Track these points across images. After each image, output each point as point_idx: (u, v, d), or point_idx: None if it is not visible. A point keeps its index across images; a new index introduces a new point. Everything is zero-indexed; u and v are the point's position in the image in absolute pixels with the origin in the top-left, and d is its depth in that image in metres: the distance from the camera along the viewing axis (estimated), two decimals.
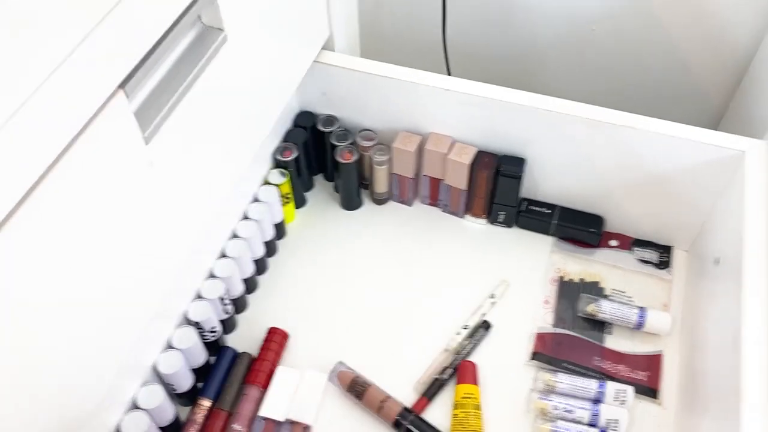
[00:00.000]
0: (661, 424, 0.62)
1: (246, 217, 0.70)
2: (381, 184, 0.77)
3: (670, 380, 0.65)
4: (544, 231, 0.76)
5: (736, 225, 0.60)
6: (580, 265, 0.74)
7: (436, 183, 0.76)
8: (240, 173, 0.60)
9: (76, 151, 0.38)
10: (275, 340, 0.65)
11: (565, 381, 0.63)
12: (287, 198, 0.74)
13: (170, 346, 0.60)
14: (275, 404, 0.60)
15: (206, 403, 0.61)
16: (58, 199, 0.38)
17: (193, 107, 0.49)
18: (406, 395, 0.64)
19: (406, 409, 0.61)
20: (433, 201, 0.79)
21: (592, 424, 0.60)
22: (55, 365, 0.42)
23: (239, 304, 0.70)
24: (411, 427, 0.60)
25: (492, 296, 0.70)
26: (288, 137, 0.75)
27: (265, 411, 0.60)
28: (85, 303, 0.43)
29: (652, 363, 0.66)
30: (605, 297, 0.70)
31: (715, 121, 0.91)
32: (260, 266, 0.73)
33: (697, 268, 0.70)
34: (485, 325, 0.68)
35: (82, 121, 0.38)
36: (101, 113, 0.40)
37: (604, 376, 0.64)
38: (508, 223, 0.76)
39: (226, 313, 0.66)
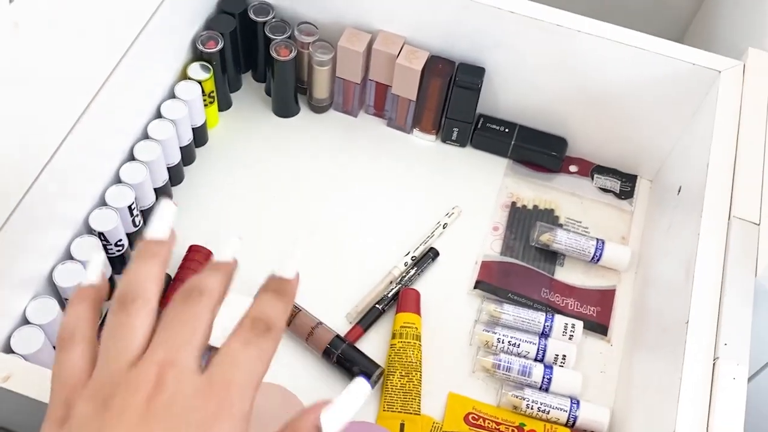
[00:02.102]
0: (607, 362, 0.68)
1: (160, 116, 0.69)
2: (321, 89, 0.78)
3: (620, 317, 0.70)
4: (500, 152, 0.79)
5: (703, 152, 0.65)
6: (534, 190, 0.77)
7: (382, 90, 0.77)
8: (125, 50, 0.62)
9: None
10: (197, 259, 0.66)
11: (510, 313, 0.67)
12: (211, 98, 0.74)
13: (70, 257, 0.60)
14: None
15: None
16: None
17: None
18: (340, 324, 0.67)
19: (338, 337, 0.64)
20: (379, 111, 0.80)
21: (538, 359, 0.65)
22: None
23: (149, 217, 0.70)
24: (342, 356, 0.63)
25: (443, 224, 0.73)
26: (211, 25, 0.74)
27: None
28: None
29: (604, 298, 0.71)
30: (560, 226, 0.74)
31: (678, 36, 0.95)
32: (174, 175, 0.73)
33: (659, 199, 0.75)
34: (433, 253, 0.71)
35: None
36: None
37: (552, 309, 0.69)
38: (461, 142, 0.79)
39: (135, 225, 0.66)
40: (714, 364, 0.51)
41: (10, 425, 0.53)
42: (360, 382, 0.34)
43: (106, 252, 0.63)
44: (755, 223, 0.58)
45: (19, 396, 0.45)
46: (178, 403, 0.30)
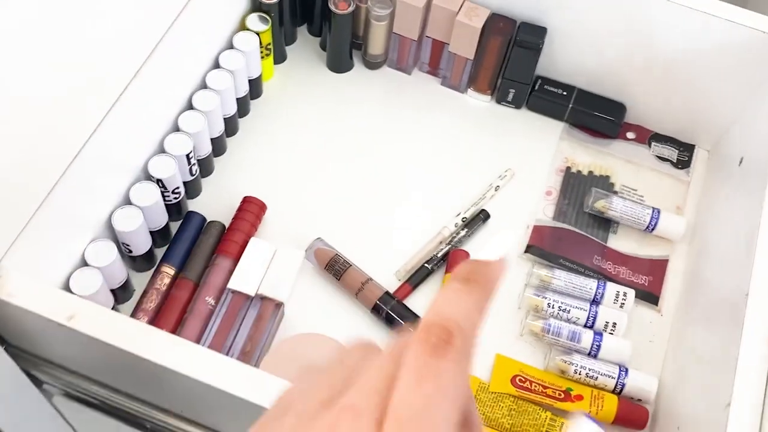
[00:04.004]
0: (657, 332, 0.67)
1: (218, 66, 0.69)
2: (377, 45, 0.77)
3: (672, 288, 0.69)
4: (557, 115, 0.77)
5: None
6: (590, 156, 0.76)
7: (439, 48, 0.76)
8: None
9: None
10: (251, 210, 0.66)
11: (562, 278, 0.67)
12: (267, 50, 0.74)
13: (129, 202, 0.61)
14: (247, 277, 0.62)
15: (170, 270, 0.63)
16: None
17: None
18: (388, 282, 0.67)
19: (387, 294, 0.65)
20: (433, 69, 0.79)
21: (588, 326, 0.65)
22: None
23: (204, 167, 0.70)
24: (391, 313, 0.64)
25: (495, 187, 0.72)
26: None
27: (235, 284, 0.62)
28: None
29: (656, 268, 0.70)
30: (615, 194, 0.73)
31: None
32: (230, 126, 0.73)
33: (717, 170, 0.73)
34: (484, 215, 0.71)
35: None
36: None
37: (603, 276, 0.69)
38: (517, 103, 0.78)
39: (191, 174, 0.67)
40: None
41: (69, 365, 0.54)
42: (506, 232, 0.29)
43: (163, 198, 0.64)
44: None
45: (81, 335, 0.46)
46: None
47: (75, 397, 0.57)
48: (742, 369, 0.49)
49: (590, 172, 0.75)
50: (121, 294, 0.62)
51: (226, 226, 0.67)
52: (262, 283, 0.62)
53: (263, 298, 0.62)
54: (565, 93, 0.76)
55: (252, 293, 0.62)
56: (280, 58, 0.79)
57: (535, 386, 0.62)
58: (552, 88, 0.76)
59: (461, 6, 0.72)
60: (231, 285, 0.62)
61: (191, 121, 0.65)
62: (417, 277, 0.67)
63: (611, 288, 0.66)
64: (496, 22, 0.72)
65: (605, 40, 0.71)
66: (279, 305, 0.62)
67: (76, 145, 0.54)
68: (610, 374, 0.62)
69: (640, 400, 0.63)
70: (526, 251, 0.69)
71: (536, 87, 0.76)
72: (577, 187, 0.74)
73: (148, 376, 0.48)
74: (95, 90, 0.55)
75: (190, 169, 0.66)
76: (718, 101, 0.73)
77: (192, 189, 0.69)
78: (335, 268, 0.65)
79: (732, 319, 0.53)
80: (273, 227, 0.69)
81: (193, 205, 0.70)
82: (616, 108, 0.76)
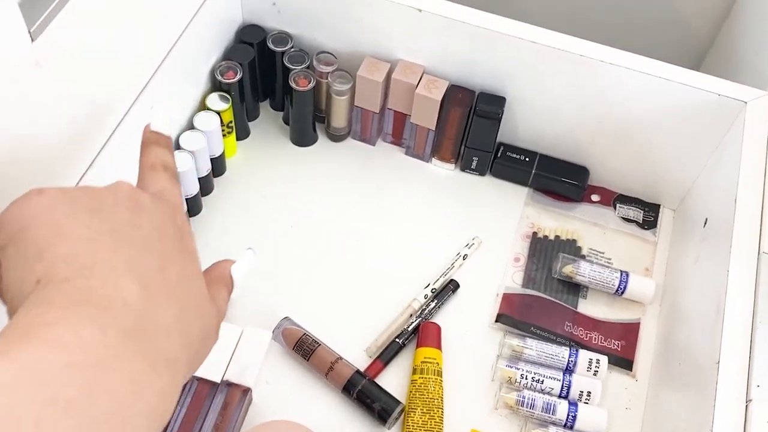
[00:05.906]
0: (632, 398, 0.66)
1: (179, 148, 0.69)
2: (340, 118, 0.77)
3: (645, 352, 0.69)
4: (521, 181, 0.78)
5: (730, 184, 0.64)
6: (556, 220, 0.76)
7: (401, 119, 0.77)
8: (145, 83, 0.62)
9: None
10: None
11: (534, 348, 0.66)
12: (229, 128, 0.74)
13: None
14: (212, 363, 0.60)
15: None
16: None
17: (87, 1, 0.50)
18: (359, 359, 0.66)
19: (358, 373, 0.63)
20: (397, 140, 0.80)
21: (562, 396, 0.64)
22: None
23: None
24: (362, 393, 0.62)
25: (463, 255, 0.72)
26: (230, 54, 0.74)
27: (199, 371, 0.60)
28: None
29: (628, 332, 0.70)
30: (583, 257, 0.73)
31: (696, 63, 0.95)
32: (193, 206, 0.72)
33: (683, 229, 0.74)
34: (454, 286, 0.70)
35: None
36: None
37: (576, 343, 0.68)
38: (480, 171, 0.78)
39: None
40: (747, 406, 0.50)
41: None
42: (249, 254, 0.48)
43: None
44: None
45: None
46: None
47: None
48: None
49: (557, 237, 0.75)
50: None
51: None
52: (228, 368, 0.61)
53: (230, 385, 0.61)
54: (527, 159, 0.77)
55: (218, 380, 0.60)
56: (243, 134, 0.79)
57: None
58: (514, 155, 0.77)
59: (420, 79, 0.72)
60: (195, 372, 0.60)
61: None
62: (388, 353, 0.66)
63: (583, 355, 0.66)
64: (455, 93, 0.73)
65: (565, 106, 0.73)
66: (246, 391, 0.61)
67: None
68: None
69: None
70: (496, 321, 0.69)
71: (499, 154, 0.77)
72: (544, 252, 0.74)
73: None
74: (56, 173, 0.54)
75: None
76: (678, 162, 0.74)
77: None
78: (304, 348, 0.64)
79: (705, 386, 0.53)
80: (239, 308, 0.68)
81: None
82: (579, 171, 0.77)
